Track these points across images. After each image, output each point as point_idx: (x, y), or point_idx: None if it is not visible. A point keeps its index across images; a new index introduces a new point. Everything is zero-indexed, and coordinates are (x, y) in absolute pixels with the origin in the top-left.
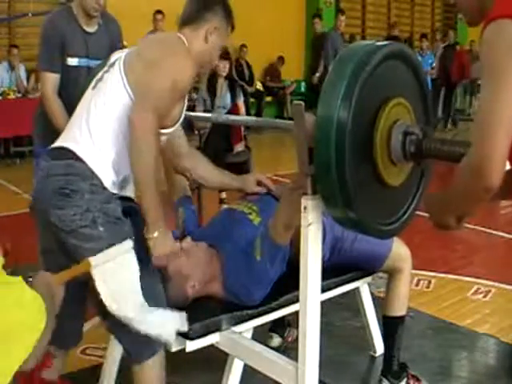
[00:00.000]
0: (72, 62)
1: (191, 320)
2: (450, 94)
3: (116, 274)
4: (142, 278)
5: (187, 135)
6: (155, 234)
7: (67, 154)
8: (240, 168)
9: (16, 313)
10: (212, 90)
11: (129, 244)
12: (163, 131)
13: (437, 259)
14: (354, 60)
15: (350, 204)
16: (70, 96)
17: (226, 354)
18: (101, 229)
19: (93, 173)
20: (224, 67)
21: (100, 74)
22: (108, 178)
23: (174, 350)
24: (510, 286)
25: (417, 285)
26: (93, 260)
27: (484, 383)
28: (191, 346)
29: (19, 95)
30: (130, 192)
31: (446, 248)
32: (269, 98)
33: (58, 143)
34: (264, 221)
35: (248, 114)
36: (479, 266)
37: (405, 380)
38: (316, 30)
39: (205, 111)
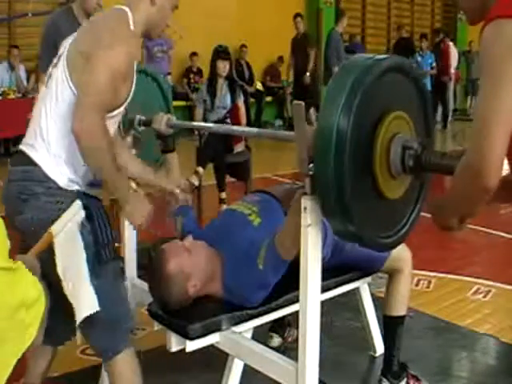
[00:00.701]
0: None
1: (191, 320)
2: (443, 92)
3: (65, 248)
4: (100, 278)
5: (187, 135)
6: (128, 206)
7: (24, 159)
8: (240, 168)
9: (22, 295)
10: (212, 90)
11: (78, 205)
12: (115, 113)
13: (437, 259)
14: (355, 72)
15: (348, 216)
16: None
17: (226, 354)
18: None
19: (47, 176)
20: (224, 67)
21: (50, 69)
22: (63, 179)
23: (173, 349)
24: (510, 286)
25: (417, 285)
26: (53, 230)
27: (484, 383)
28: (191, 346)
29: (19, 95)
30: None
31: (445, 248)
32: (269, 98)
33: (19, 146)
34: (264, 222)
35: (248, 114)
36: (479, 266)
37: (405, 380)
38: (298, 29)
39: (205, 111)
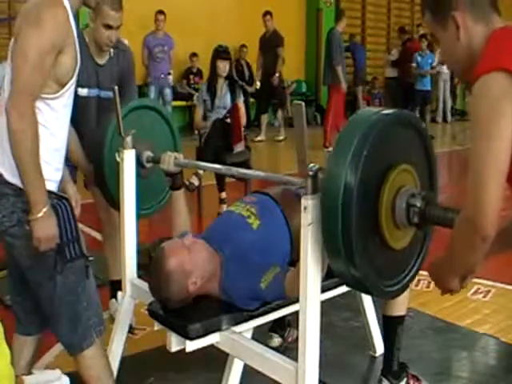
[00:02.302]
0: (82, 92)
1: (191, 320)
2: (410, 94)
3: None
4: (63, 274)
5: (187, 135)
6: (39, 215)
7: None
8: (240, 168)
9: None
10: (212, 90)
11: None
12: (65, 88)
13: None
14: (362, 128)
15: (355, 267)
16: (80, 124)
17: (226, 354)
18: (27, 227)
19: (9, 180)
20: (224, 67)
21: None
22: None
23: (173, 349)
24: (510, 286)
25: (417, 285)
26: (25, 379)
27: (484, 383)
28: (191, 346)
29: None
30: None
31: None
32: None
33: None
34: (263, 224)
35: (248, 114)
36: (479, 266)
37: (405, 380)
38: (268, 27)
39: (205, 111)
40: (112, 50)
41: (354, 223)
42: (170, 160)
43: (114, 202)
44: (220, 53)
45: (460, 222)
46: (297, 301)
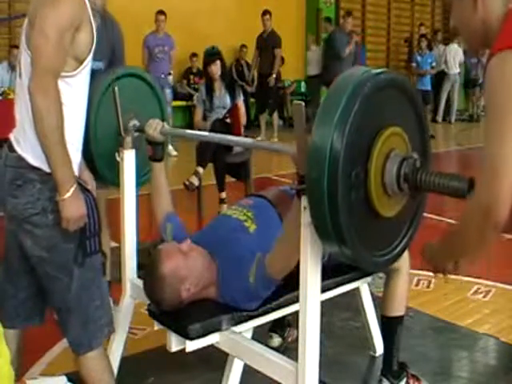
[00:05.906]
0: None
1: (191, 320)
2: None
3: None
4: (82, 269)
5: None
6: (66, 195)
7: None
8: (240, 168)
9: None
10: (210, 91)
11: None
12: (84, 64)
13: None
14: (349, 88)
15: (342, 236)
16: None
17: (226, 354)
18: (50, 216)
19: (34, 163)
20: (217, 69)
21: (18, 57)
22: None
23: (173, 349)
24: (510, 285)
25: (417, 285)
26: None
27: (484, 383)
28: (191, 346)
29: None
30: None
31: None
32: None
33: (13, 133)
34: (259, 227)
35: (248, 113)
36: (479, 266)
37: (404, 380)
38: (266, 27)
39: (205, 111)
40: (99, 20)
41: (340, 190)
42: (158, 126)
43: (103, 178)
44: (209, 57)
45: (471, 207)
46: (297, 301)
